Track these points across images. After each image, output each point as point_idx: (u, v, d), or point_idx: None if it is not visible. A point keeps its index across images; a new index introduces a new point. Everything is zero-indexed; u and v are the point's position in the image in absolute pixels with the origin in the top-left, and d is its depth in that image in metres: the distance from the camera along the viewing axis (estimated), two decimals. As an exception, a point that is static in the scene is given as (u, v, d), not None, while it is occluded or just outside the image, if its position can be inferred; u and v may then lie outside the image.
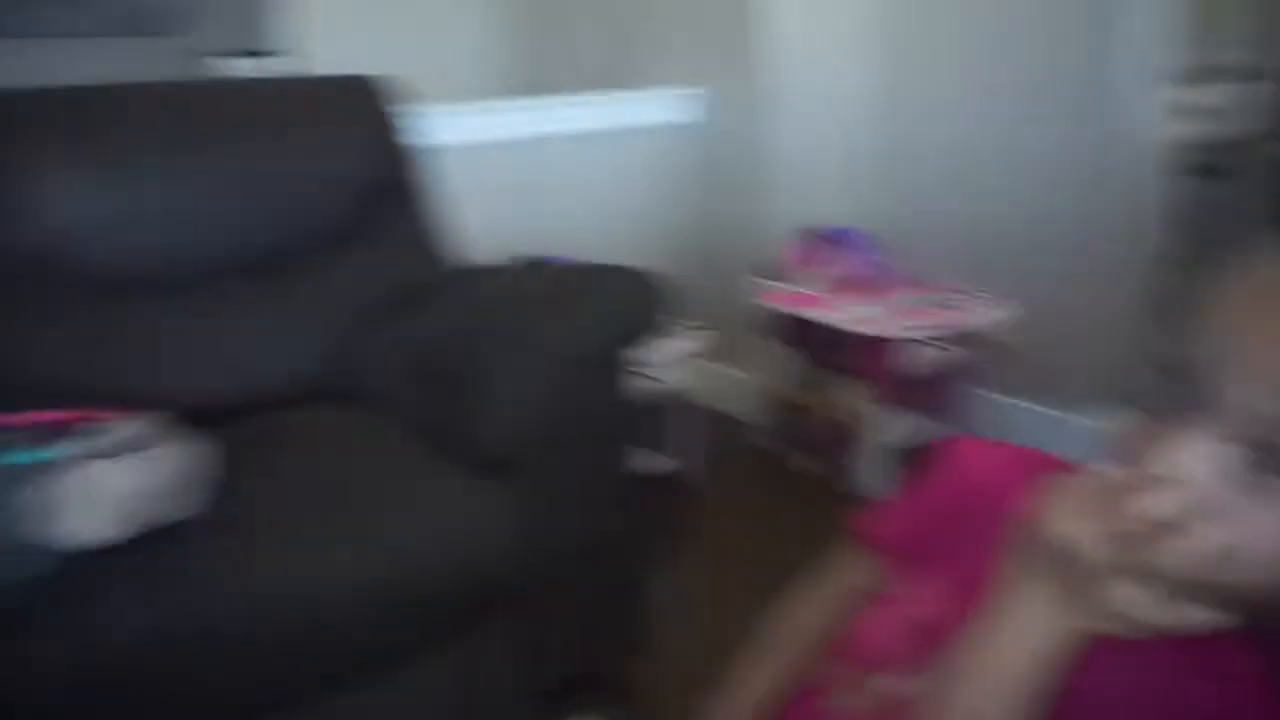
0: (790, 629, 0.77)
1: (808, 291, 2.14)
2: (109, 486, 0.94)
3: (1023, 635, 0.48)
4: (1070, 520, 0.47)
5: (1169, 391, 0.45)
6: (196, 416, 1.17)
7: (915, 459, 2.04)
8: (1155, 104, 1.89)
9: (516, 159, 2.17)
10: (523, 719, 1.33)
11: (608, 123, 2.31)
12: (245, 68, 2.34)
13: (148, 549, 0.97)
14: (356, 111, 1.61)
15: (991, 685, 0.49)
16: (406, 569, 1.10)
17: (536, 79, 2.72)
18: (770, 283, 2.15)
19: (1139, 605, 0.46)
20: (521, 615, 1.28)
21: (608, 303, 1.30)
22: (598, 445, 1.36)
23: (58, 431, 0.98)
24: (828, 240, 2.24)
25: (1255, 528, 0.43)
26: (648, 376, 2.10)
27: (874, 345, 1.90)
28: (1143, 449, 0.45)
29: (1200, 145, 2.25)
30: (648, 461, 2.04)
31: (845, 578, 0.74)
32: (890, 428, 1.94)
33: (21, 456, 0.93)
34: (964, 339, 2.06)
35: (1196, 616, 0.46)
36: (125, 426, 1.02)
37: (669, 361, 2.03)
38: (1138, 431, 0.47)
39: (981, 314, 1.93)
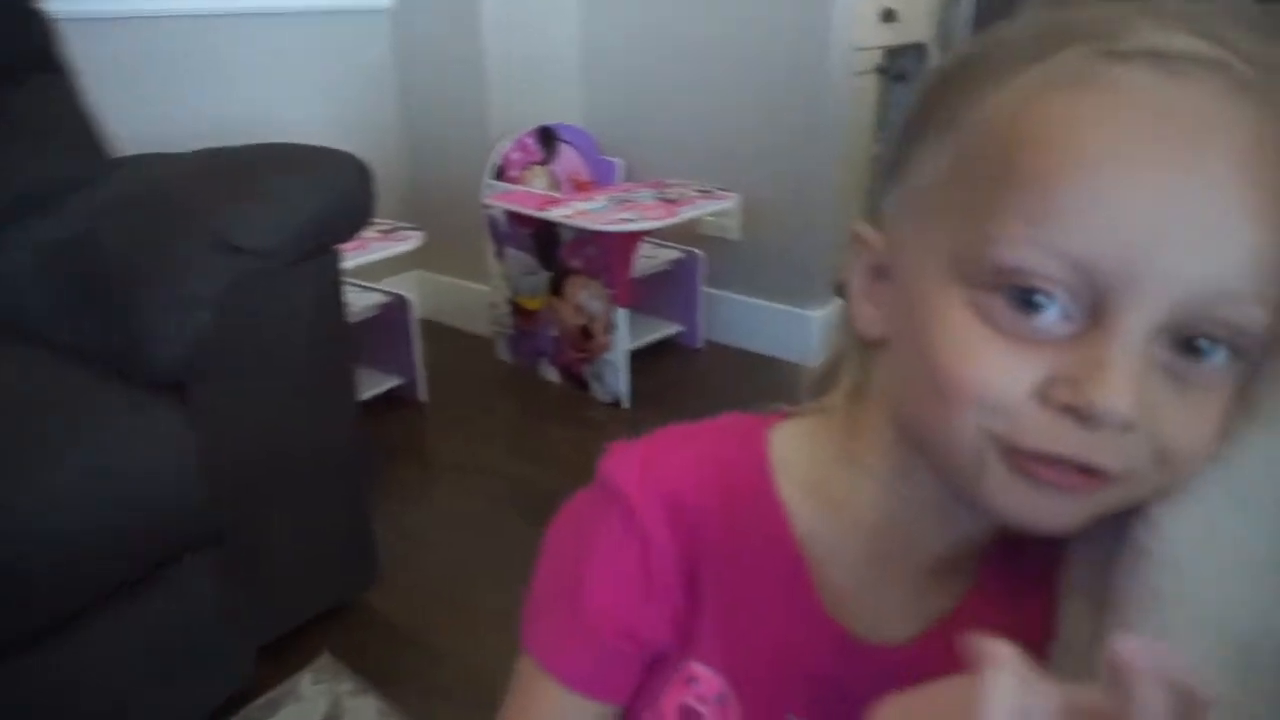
0: None
1: (531, 191, 2.04)
2: None
3: None
4: None
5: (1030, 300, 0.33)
6: None
7: (653, 364, 2.05)
8: (849, 7, 1.96)
9: (171, 37, 1.84)
10: (241, 673, 1.15)
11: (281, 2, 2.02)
12: None
13: None
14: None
15: None
16: (70, 515, 0.89)
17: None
18: (492, 184, 2.03)
19: None
20: (222, 560, 1.10)
21: (303, 187, 1.11)
22: (300, 358, 1.18)
23: None
24: (548, 139, 2.15)
25: (1196, 419, 0.35)
26: (362, 285, 1.92)
27: (605, 245, 1.84)
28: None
29: (890, 49, 2.39)
30: (367, 380, 1.88)
31: None
32: (628, 330, 1.91)
33: None
34: (687, 232, 2.06)
35: None
36: None
37: (384, 266, 1.85)
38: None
39: (705, 208, 1.93)
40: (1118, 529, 0.38)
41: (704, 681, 0.46)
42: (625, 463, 0.46)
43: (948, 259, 0.36)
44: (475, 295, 2.23)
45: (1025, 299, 0.33)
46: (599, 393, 1.98)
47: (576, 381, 2.02)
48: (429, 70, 2.17)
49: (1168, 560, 0.35)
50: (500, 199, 1.99)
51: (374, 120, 2.18)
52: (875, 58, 2.34)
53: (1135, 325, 0.32)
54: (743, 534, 0.45)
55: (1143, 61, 0.33)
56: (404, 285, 2.14)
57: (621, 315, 1.88)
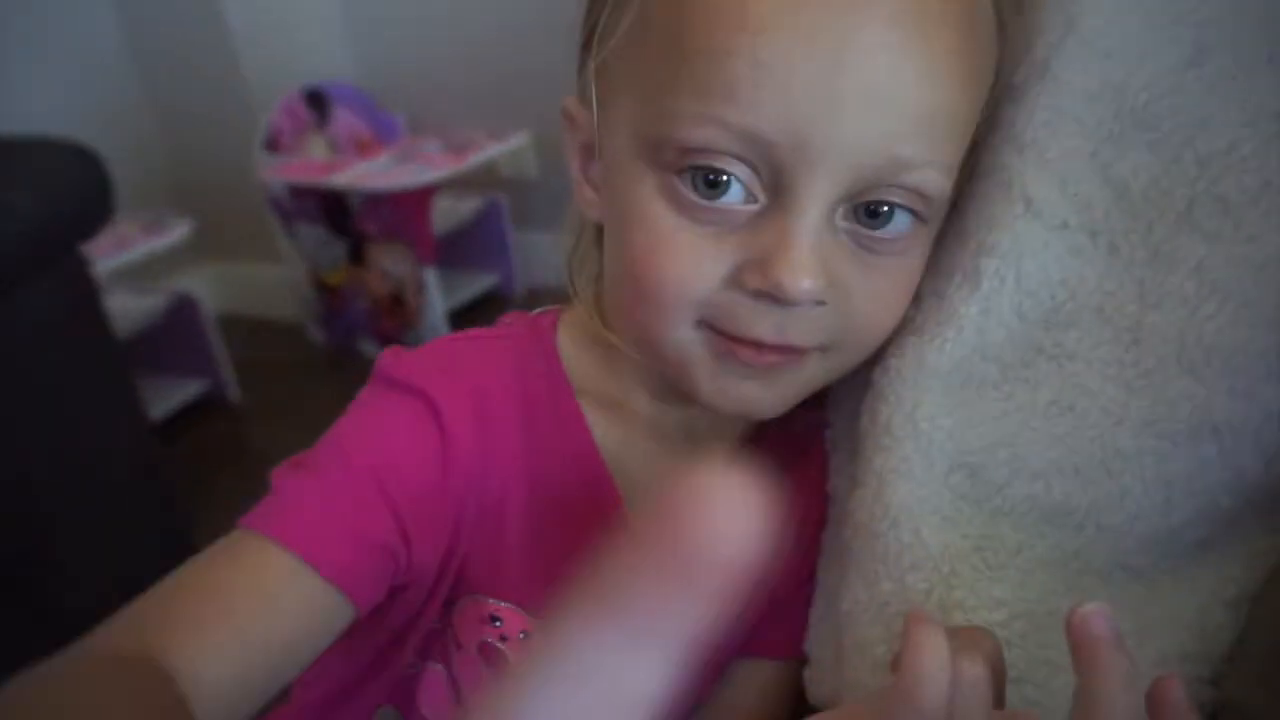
0: None
1: (309, 160, 1.92)
2: None
3: None
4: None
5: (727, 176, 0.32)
6: None
7: (472, 317, 1.99)
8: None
9: None
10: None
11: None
12: None
13: None
14: None
15: None
16: None
17: None
18: (266, 156, 1.88)
19: None
20: (28, 610, 0.99)
21: (14, 183, 0.98)
22: (58, 377, 1.06)
23: None
24: (318, 101, 2.02)
25: (881, 286, 0.35)
26: (140, 288, 1.76)
27: (398, 204, 1.75)
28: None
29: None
30: (167, 390, 1.74)
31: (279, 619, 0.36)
32: (441, 289, 1.84)
33: None
34: (485, 180, 2.00)
35: None
36: None
37: (165, 264, 1.70)
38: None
39: (495, 149, 1.87)
40: (866, 385, 0.38)
41: (507, 620, 0.43)
42: (417, 362, 0.41)
43: (633, 136, 0.34)
44: (273, 278, 2.09)
45: (707, 179, 0.32)
46: (423, 358, 1.91)
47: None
48: (166, 39, 1.97)
49: (894, 395, 0.35)
50: (276, 172, 1.85)
51: (112, 102, 1.96)
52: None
53: (814, 199, 0.32)
54: (547, 452, 0.41)
55: None
56: (193, 281, 1.98)
57: (431, 275, 1.81)
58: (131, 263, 1.54)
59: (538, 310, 0.47)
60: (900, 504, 0.33)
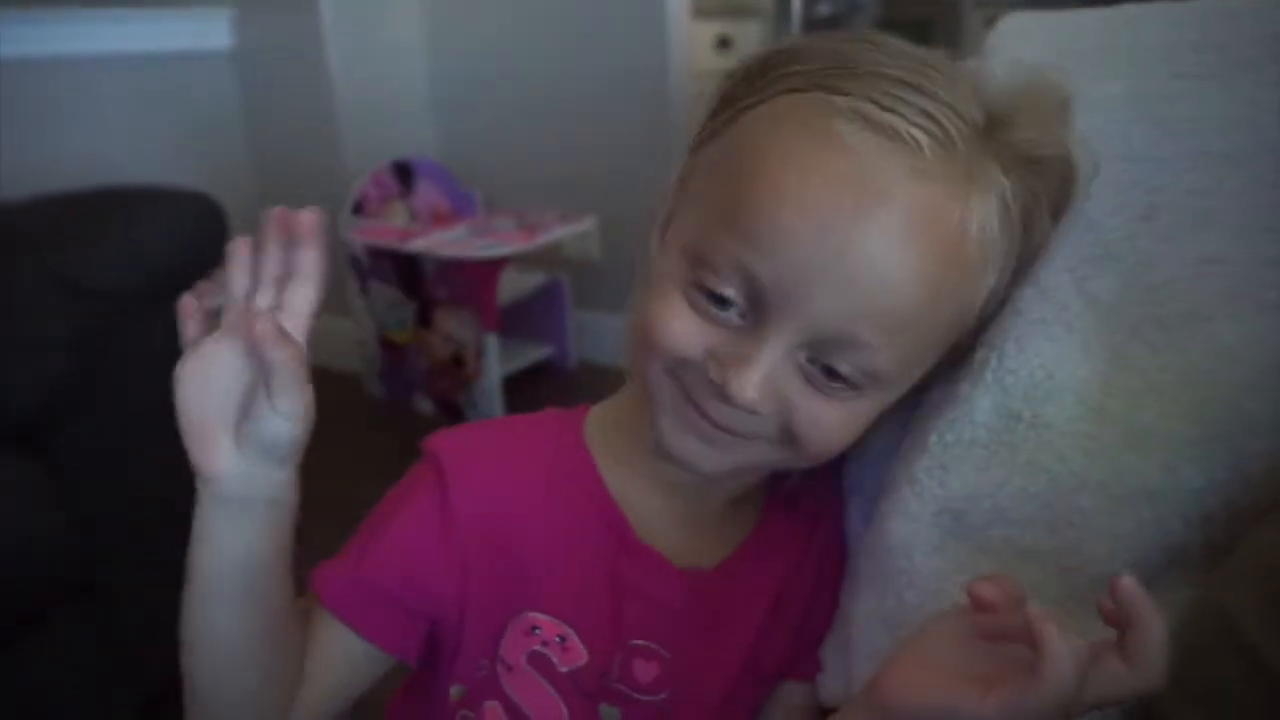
0: None
1: (390, 225, 2.07)
2: None
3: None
4: None
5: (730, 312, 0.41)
6: None
7: (526, 387, 2.09)
8: (686, 34, 2.09)
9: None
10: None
11: (108, 45, 1.97)
12: None
13: None
14: None
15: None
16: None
17: None
18: (352, 219, 2.04)
19: None
20: (95, 611, 1.08)
21: (153, 227, 1.12)
22: (162, 403, 1.16)
23: None
24: (405, 173, 2.18)
25: (822, 417, 0.42)
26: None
27: (468, 273, 1.89)
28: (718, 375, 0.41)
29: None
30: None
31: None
32: (499, 356, 1.95)
33: None
34: (551, 258, 2.13)
35: None
36: None
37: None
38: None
39: (563, 231, 2.01)
40: (881, 445, 0.47)
41: (545, 628, 0.50)
42: (448, 436, 0.52)
43: (689, 239, 0.43)
44: (341, 331, 2.23)
45: (716, 298, 0.41)
46: (475, 420, 2.01)
47: (451, 411, 2.05)
48: (277, 110, 2.17)
49: (900, 452, 0.44)
50: (359, 234, 2.01)
51: (223, 162, 2.16)
52: (715, 83, 2.49)
53: (779, 337, 0.40)
54: (566, 501, 0.51)
55: (857, 122, 0.39)
56: (268, 328, 2.12)
57: (491, 341, 1.93)
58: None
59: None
60: (898, 535, 0.41)
